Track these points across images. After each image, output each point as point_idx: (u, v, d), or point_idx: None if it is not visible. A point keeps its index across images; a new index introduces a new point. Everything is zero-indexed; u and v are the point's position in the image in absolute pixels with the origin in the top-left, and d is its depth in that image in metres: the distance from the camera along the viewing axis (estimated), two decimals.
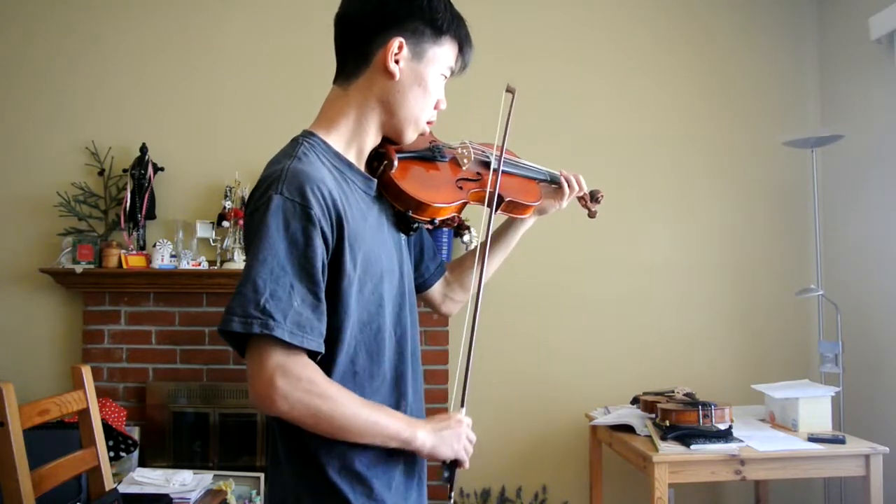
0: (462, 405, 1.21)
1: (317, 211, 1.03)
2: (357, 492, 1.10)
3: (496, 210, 1.33)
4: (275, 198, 1.03)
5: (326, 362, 1.07)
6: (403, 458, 1.17)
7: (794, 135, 3.14)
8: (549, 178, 1.48)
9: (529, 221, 1.46)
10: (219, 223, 3.21)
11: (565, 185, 1.46)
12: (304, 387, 1.01)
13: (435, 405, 3.22)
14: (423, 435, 1.11)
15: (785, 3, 3.50)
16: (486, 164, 1.34)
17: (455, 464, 1.16)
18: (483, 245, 1.32)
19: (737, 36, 3.47)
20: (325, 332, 1.04)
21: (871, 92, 3.10)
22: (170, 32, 3.41)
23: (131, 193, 3.22)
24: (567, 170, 1.53)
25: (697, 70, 3.46)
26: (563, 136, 3.39)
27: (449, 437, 1.14)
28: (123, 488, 2.42)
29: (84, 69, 3.40)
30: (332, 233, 1.06)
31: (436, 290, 1.43)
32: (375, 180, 1.20)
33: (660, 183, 3.42)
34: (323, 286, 1.04)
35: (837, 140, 3.05)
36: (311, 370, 1.03)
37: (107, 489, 1.87)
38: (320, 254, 1.04)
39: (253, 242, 1.02)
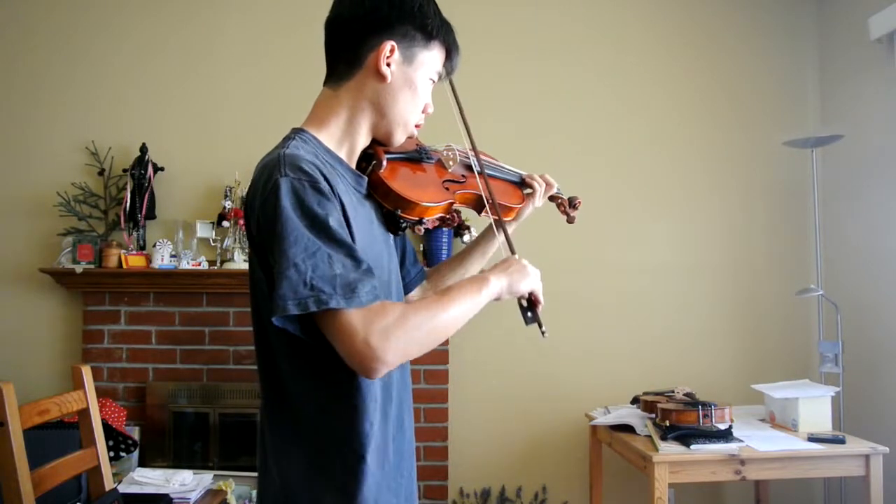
0: (513, 252, 1.26)
1: (324, 184, 1.05)
2: (349, 489, 1.09)
3: (481, 212, 1.36)
4: (282, 181, 1.03)
5: (327, 353, 1.07)
6: (395, 457, 1.17)
7: (794, 135, 3.14)
8: (519, 180, 1.51)
9: (509, 230, 1.46)
10: (219, 223, 3.21)
11: (534, 184, 1.49)
12: (392, 329, 1.00)
13: (434, 405, 3.22)
14: (494, 281, 1.15)
15: (785, 3, 3.50)
16: (471, 167, 1.38)
17: (532, 304, 1.20)
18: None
19: (737, 36, 3.47)
20: (378, 284, 1.05)
21: (871, 92, 3.10)
22: (170, 32, 3.41)
23: (131, 193, 3.22)
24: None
25: (697, 70, 3.46)
26: (562, 136, 3.39)
27: (517, 272, 1.18)
28: (123, 488, 2.42)
29: (84, 69, 3.40)
30: (338, 206, 1.07)
31: (413, 297, 1.43)
32: (366, 178, 1.21)
33: (660, 183, 3.42)
34: (356, 246, 1.05)
35: (837, 140, 3.05)
36: (388, 312, 1.02)
37: (107, 489, 1.87)
38: (340, 220, 1.05)
39: (276, 229, 1.02)
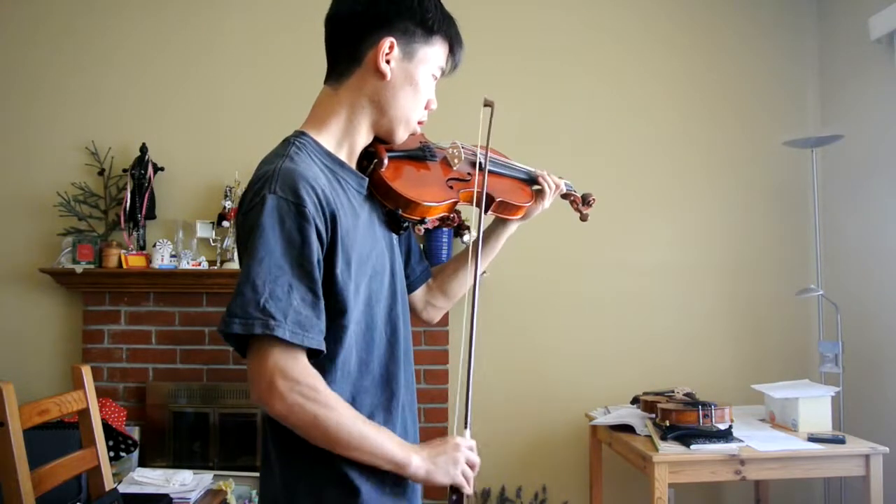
0: (466, 426, 1.17)
1: (311, 208, 1.03)
2: (349, 493, 1.10)
3: (487, 210, 1.32)
4: (269, 197, 1.03)
5: (325, 360, 1.07)
6: None
7: (794, 135, 3.14)
8: (529, 178, 1.47)
9: (513, 227, 1.46)
10: (219, 223, 3.21)
11: (544, 184, 1.45)
12: (302, 391, 1.01)
13: (434, 405, 3.23)
14: (416, 461, 1.09)
15: (785, 3, 3.50)
16: (477, 165, 1.34)
17: (458, 490, 1.13)
18: (475, 245, 1.31)
19: (737, 36, 3.47)
20: (325, 330, 1.04)
21: (871, 92, 3.10)
22: (170, 32, 3.41)
23: (131, 193, 3.22)
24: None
25: (698, 70, 3.46)
26: (563, 136, 3.39)
27: (444, 462, 1.11)
28: (123, 488, 2.42)
29: (84, 69, 3.40)
30: (327, 230, 1.06)
31: (418, 295, 1.42)
32: (367, 179, 1.20)
33: (660, 183, 3.42)
34: (320, 283, 1.04)
35: (837, 140, 3.05)
36: (311, 376, 1.02)
37: (107, 489, 1.87)
38: (316, 250, 1.04)
39: (249, 243, 1.02)
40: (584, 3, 3.47)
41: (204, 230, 3.25)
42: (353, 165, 1.20)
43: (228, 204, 3.21)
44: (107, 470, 1.89)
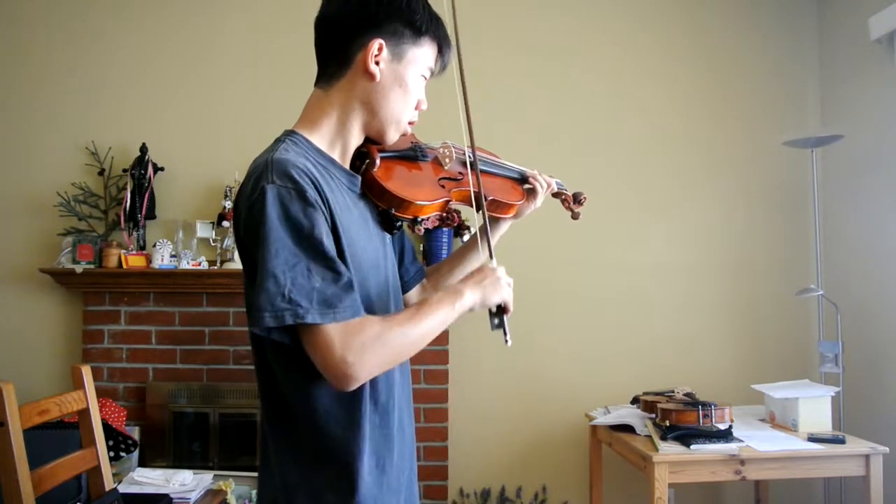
0: (491, 258, 1.25)
1: (311, 192, 1.04)
2: (348, 493, 1.10)
3: (479, 209, 1.33)
4: (268, 188, 1.03)
5: None
6: (396, 458, 1.18)
7: (794, 135, 3.14)
8: (520, 177, 1.48)
9: (505, 226, 1.47)
10: (219, 223, 3.21)
11: (536, 184, 1.46)
12: (369, 346, 1.02)
13: (434, 405, 3.22)
14: (468, 295, 1.16)
15: (785, 3, 3.50)
16: (468, 164, 1.35)
17: (501, 310, 1.21)
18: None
19: (737, 36, 3.47)
20: (358, 298, 1.05)
21: (871, 92, 3.10)
22: (170, 32, 3.41)
23: (131, 193, 3.22)
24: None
25: (698, 70, 3.46)
26: (563, 136, 3.39)
27: (490, 284, 1.19)
28: (123, 488, 2.42)
29: (84, 69, 3.40)
30: (326, 213, 1.07)
31: (412, 295, 1.43)
32: (360, 177, 1.21)
33: (660, 183, 3.42)
34: (337, 258, 1.05)
35: (837, 140, 3.05)
36: (366, 329, 1.03)
37: (107, 489, 1.87)
38: (325, 230, 1.05)
39: (259, 237, 1.02)
40: (583, 3, 3.47)
41: (204, 230, 3.25)
42: (347, 166, 1.21)
43: (228, 204, 3.21)
44: (107, 470, 1.89)
